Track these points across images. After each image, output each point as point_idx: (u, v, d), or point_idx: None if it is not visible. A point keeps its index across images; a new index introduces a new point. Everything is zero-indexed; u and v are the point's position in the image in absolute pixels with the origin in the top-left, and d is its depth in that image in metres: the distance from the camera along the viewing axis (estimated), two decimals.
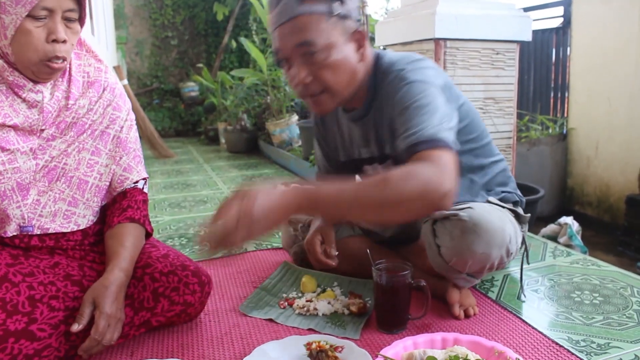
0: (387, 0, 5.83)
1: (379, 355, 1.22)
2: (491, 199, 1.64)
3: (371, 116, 1.60)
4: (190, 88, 7.08)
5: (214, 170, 4.33)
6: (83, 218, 1.51)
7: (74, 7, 1.36)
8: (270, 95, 4.76)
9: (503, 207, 1.61)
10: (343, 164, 1.82)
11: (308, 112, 4.92)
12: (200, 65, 6.73)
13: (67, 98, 1.47)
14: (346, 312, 1.59)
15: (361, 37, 1.46)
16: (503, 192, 1.73)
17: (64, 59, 1.38)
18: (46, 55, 1.35)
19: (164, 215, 2.91)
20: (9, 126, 1.41)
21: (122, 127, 1.56)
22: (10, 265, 1.42)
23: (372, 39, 4.77)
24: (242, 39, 5.12)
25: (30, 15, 1.33)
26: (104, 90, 1.54)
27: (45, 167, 1.44)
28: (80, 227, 1.50)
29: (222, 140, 5.61)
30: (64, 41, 1.36)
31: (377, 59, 1.56)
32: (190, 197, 3.35)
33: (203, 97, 6.86)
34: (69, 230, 1.48)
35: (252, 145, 5.23)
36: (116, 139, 1.55)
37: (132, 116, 1.62)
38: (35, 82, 1.42)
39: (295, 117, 4.59)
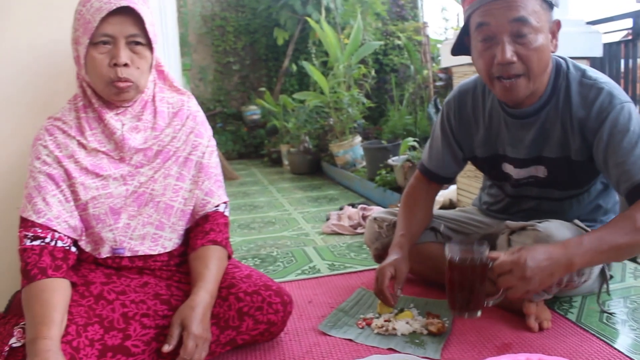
0: (446, 19, 5.82)
1: None
2: (576, 221, 1.62)
3: (542, 116, 1.60)
4: (252, 111, 7.22)
5: (279, 191, 4.40)
6: (169, 241, 1.57)
7: (137, 33, 1.44)
8: (333, 117, 4.81)
9: (586, 230, 1.59)
10: (480, 159, 1.83)
11: (371, 133, 4.95)
12: (263, 89, 6.86)
13: (154, 129, 1.56)
14: (425, 332, 1.59)
15: (557, 27, 1.50)
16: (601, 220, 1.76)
17: (129, 81, 1.45)
18: (110, 78, 1.44)
19: (235, 236, 2.97)
20: (102, 152, 1.50)
21: (204, 153, 1.63)
22: (104, 283, 1.50)
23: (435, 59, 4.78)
24: (304, 63, 5.21)
25: (94, 43, 1.43)
26: (187, 118, 1.62)
27: (135, 192, 1.52)
28: (167, 250, 1.57)
29: (285, 162, 5.69)
30: (126, 65, 1.44)
31: (558, 61, 1.60)
32: (258, 219, 3.42)
33: (265, 120, 6.98)
34: (156, 252, 1.55)
35: (315, 167, 5.29)
36: (198, 165, 1.61)
37: (213, 142, 1.68)
38: (117, 108, 1.52)
39: (358, 139, 4.62)
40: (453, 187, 3.05)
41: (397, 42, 6.45)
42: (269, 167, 6.07)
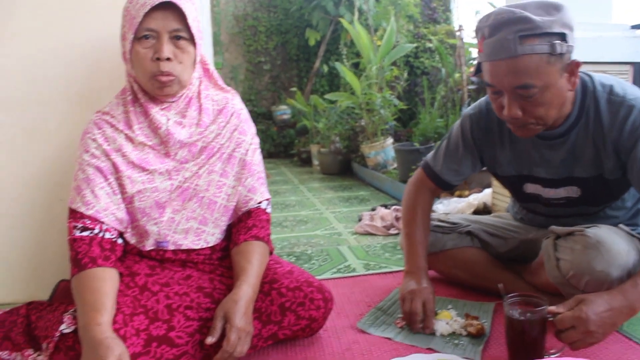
0: None
1: None
2: (621, 225, 1.60)
3: (571, 137, 1.58)
4: (283, 111, 7.26)
5: (310, 191, 4.42)
6: (212, 236, 1.60)
7: (180, 27, 1.46)
8: (365, 119, 4.81)
9: (633, 235, 1.58)
10: (500, 177, 1.82)
11: (402, 135, 4.95)
12: (294, 89, 6.90)
13: (199, 125, 1.58)
14: (464, 333, 1.59)
15: (575, 66, 1.43)
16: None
17: (171, 75, 1.48)
18: (152, 72, 1.46)
19: None
20: (148, 146, 1.53)
21: (247, 150, 1.65)
22: (148, 275, 1.53)
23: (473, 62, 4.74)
24: (337, 64, 5.23)
25: (138, 38, 1.46)
26: (231, 115, 1.64)
27: (179, 187, 1.54)
28: (209, 245, 1.59)
29: (315, 162, 5.71)
30: (169, 59, 1.46)
31: (583, 80, 1.56)
32: (290, 217, 3.44)
33: (295, 120, 7.02)
34: (199, 247, 1.58)
35: (345, 167, 5.30)
36: (242, 162, 1.63)
37: (257, 140, 1.70)
38: (161, 103, 1.55)
39: (390, 140, 4.62)
40: (487, 191, 3.04)
41: (429, 45, 6.44)
42: (299, 166, 6.09)
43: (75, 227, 1.46)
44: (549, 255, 1.58)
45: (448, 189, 1.92)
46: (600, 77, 1.58)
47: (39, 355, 1.46)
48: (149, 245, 1.55)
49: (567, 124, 1.56)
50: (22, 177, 1.99)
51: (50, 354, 1.38)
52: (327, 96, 5.35)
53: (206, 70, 1.67)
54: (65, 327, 1.35)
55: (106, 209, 1.48)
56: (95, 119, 1.56)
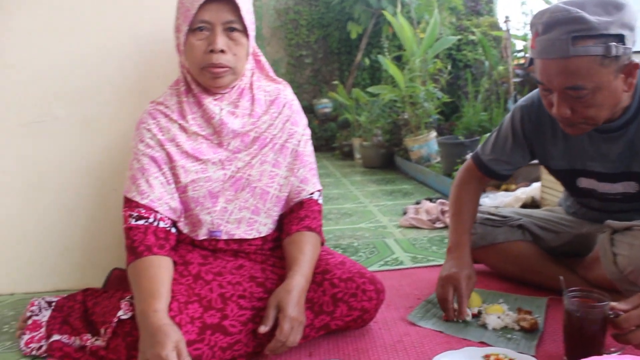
0: (526, 14, 5.67)
1: None
2: None
3: (630, 130, 1.53)
4: (324, 105, 7.26)
5: (353, 184, 4.42)
6: (264, 226, 1.61)
7: (233, 19, 1.47)
8: (408, 112, 4.78)
9: None
10: (553, 171, 1.80)
11: (445, 128, 4.90)
12: (336, 82, 6.89)
13: (251, 116, 1.59)
14: (517, 327, 1.57)
15: (634, 68, 1.38)
16: None
17: (225, 66, 1.49)
18: (206, 63, 1.47)
19: None
20: (202, 136, 1.55)
21: (299, 141, 1.65)
22: (201, 264, 1.55)
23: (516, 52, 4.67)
24: (380, 57, 5.20)
25: (192, 30, 1.47)
26: (283, 106, 1.65)
27: (232, 177, 1.56)
28: (261, 235, 1.61)
29: (357, 156, 5.70)
30: (222, 51, 1.47)
31: None
32: (334, 210, 3.44)
33: (336, 114, 7.01)
34: (251, 237, 1.59)
35: (387, 161, 5.28)
36: (294, 152, 1.64)
37: (308, 131, 1.71)
38: (214, 94, 1.56)
39: (433, 134, 4.58)
40: (536, 185, 2.99)
41: (471, 37, 6.35)
42: (340, 160, 6.09)
43: (130, 215, 1.48)
44: (606, 250, 1.55)
45: (497, 178, 1.90)
46: None
47: (96, 340, 1.50)
48: (201, 235, 1.57)
49: (626, 117, 1.51)
50: (77, 168, 2.04)
51: (108, 339, 1.42)
52: (369, 89, 5.32)
53: (258, 62, 1.68)
54: (122, 314, 1.38)
55: (160, 199, 1.50)
56: (149, 109, 1.58)
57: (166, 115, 1.56)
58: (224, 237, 1.57)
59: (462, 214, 1.83)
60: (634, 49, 1.37)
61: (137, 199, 1.49)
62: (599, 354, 1.33)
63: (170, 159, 1.53)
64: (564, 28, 1.33)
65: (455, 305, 1.64)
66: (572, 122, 1.45)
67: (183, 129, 1.55)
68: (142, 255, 1.42)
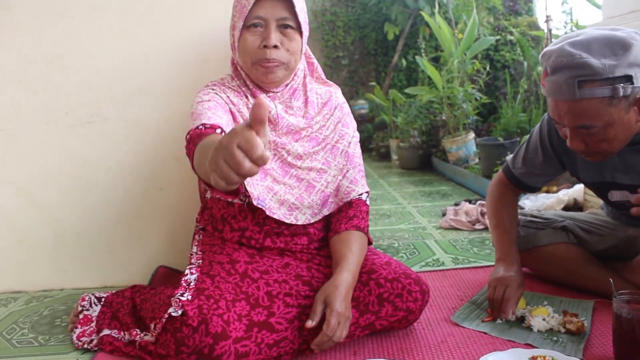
0: (567, 13, 5.59)
1: None
2: None
3: None
4: (360, 106, 7.26)
5: (390, 185, 4.41)
6: (303, 215, 1.63)
7: (288, 16, 1.51)
8: (446, 113, 4.76)
9: None
10: (585, 183, 1.79)
11: (483, 130, 4.86)
12: (373, 83, 6.88)
13: (305, 117, 1.62)
14: (562, 330, 1.56)
15: None
16: None
17: (277, 62, 1.51)
18: (258, 58, 1.51)
19: None
20: None
21: (349, 143, 1.68)
22: (248, 263, 1.57)
23: None
24: (417, 58, 5.18)
25: (247, 26, 1.51)
26: (335, 109, 1.68)
27: (282, 162, 1.59)
28: (299, 223, 1.62)
29: (394, 157, 5.69)
30: (276, 46, 1.50)
31: None
32: (372, 211, 3.44)
33: (373, 115, 7.00)
34: (289, 221, 1.60)
35: (424, 162, 5.25)
36: (344, 153, 1.67)
37: (357, 134, 1.73)
38: (267, 92, 1.58)
39: (472, 135, 4.54)
40: (578, 187, 2.95)
41: (509, 37, 6.28)
42: (377, 161, 6.09)
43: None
44: None
45: (531, 191, 1.92)
46: None
47: (145, 335, 1.54)
48: (254, 198, 1.53)
49: None
50: (125, 168, 2.09)
51: (157, 334, 1.45)
52: (407, 90, 5.31)
53: (310, 64, 1.71)
54: (173, 310, 1.41)
55: (228, 125, 1.47)
56: (210, 84, 1.63)
57: (229, 88, 1.61)
58: (267, 212, 1.56)
59: (505, 224, 1.83)
60: None
61: (203, 122, 1.41)
62: None
63: (233, 116, 1.55)
64: (569, 72, 1.34)
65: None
66: (587, 153, 1.48)
67: (244, 104, 1.58)
68: (206, 135, 1.32)
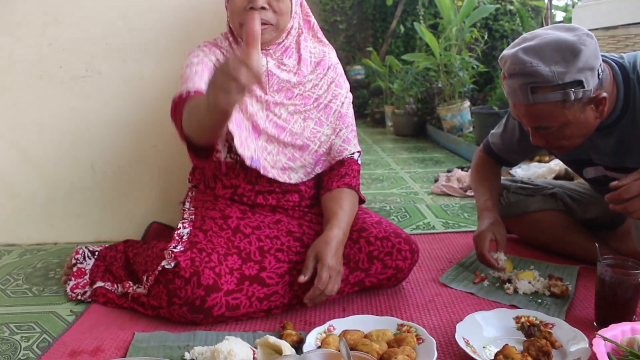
0: None
1: (597, 336, 1.21)
2: None
3: (618, 129, 1.52)
4: (357, 71, 7.22)
5: (384, 151, 4.42)
6: (295, 174, 1.65)
7: None
8: (442, 80, 4.74)
9: None
10: (560, 158, 1.83)
11: (479, 98, 4.86)
12: (370, 48, 6.84)
13: (297, 74, 1.62)
14: (547, 293, 1.60)
15: (601, 99, 1.40)
16: None
17: (265, 23, 1.50)
18: (245, 19, 1.49)
19: None
20: None
21: (342, 103, 1.69)
22: (240, 218, 1.59)
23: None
24: (416, 25, 5.14)
25: None
26: (328, 68, 1.68)
27: (274, 121, 1.59)
28: (291, 182, 1.64)
29: (389, 123, 5.69)
30: (263, 8, 1.48)
31: (623, 69, 1.48)
32: (365, 175, 3.46)
33: (369, 81, 6.97)
34: (282, 180, 1.62)
35: (419, 129, 5.25)
36: (337, 113, 1.67)
37: (350, 95, 1.73)
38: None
39: (467, 103, 4.54)
40: None
41: (509, 7, 6.23)
42: (371, 127, 6.08)
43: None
44: (637, 225, 1.55)
45: (509, 166, 1.98)
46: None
47: (138, 287, 1.56)
48: (247, 158, 1.54)
49: (613, 117, 1.50)
50: (119, 124, 2.09)
51: (149, 286, 1.47)
52: (404, 57, 5.28)
53: (307, 22, 1.71)
54: (166, 263, 1.43)
55: None
56: (202, 44, 1.63)
57: (220, 48, 1.62)
58: (261, 171, 1.58)
59: (484, 183, 1.88)
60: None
61: (189, 88, 1.46)
62: (630, 320, 1.36)
63: None
64: (522, 79, 1.38)
65: (495, 255, 1.68)
66: (549, 148, 1.55)
67: None
68: (189, 97, 1.41)
